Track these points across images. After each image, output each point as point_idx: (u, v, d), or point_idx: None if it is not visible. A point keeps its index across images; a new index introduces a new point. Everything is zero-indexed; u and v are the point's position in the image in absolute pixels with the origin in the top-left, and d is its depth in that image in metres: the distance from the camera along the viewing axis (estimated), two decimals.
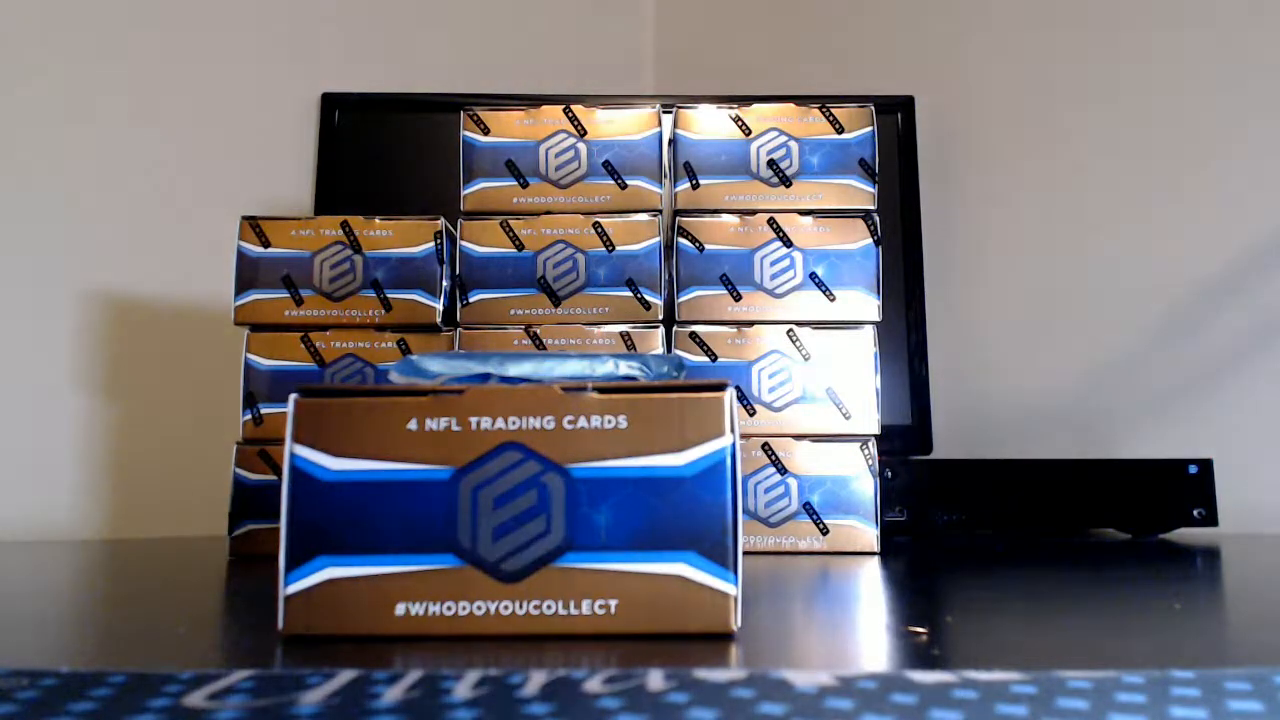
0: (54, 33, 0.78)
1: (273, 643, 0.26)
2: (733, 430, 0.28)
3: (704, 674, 0.21)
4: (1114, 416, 0.83)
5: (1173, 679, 0.21)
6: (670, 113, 0.59)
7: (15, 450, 0.74)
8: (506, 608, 0.27)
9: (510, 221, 0.57)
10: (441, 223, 0.57)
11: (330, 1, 0.89)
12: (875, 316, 0.56)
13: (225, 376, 0.78)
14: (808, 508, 0.54)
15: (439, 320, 0.56)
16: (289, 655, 0.25)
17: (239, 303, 0.56)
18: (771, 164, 0.58)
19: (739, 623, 0.27)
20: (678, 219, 0.57)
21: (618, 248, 0.57)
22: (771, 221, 0.57)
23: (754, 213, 0.57)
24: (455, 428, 0.28)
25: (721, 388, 0.28)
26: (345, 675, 0.21)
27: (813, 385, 0.56)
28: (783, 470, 0.55)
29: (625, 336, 0.56)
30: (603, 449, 0.28)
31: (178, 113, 0.82)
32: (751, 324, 0.56)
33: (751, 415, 0.55)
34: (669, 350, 0.56)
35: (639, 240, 0.57)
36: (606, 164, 0.58)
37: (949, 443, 0.86)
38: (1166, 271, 0.82)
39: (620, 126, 0.59)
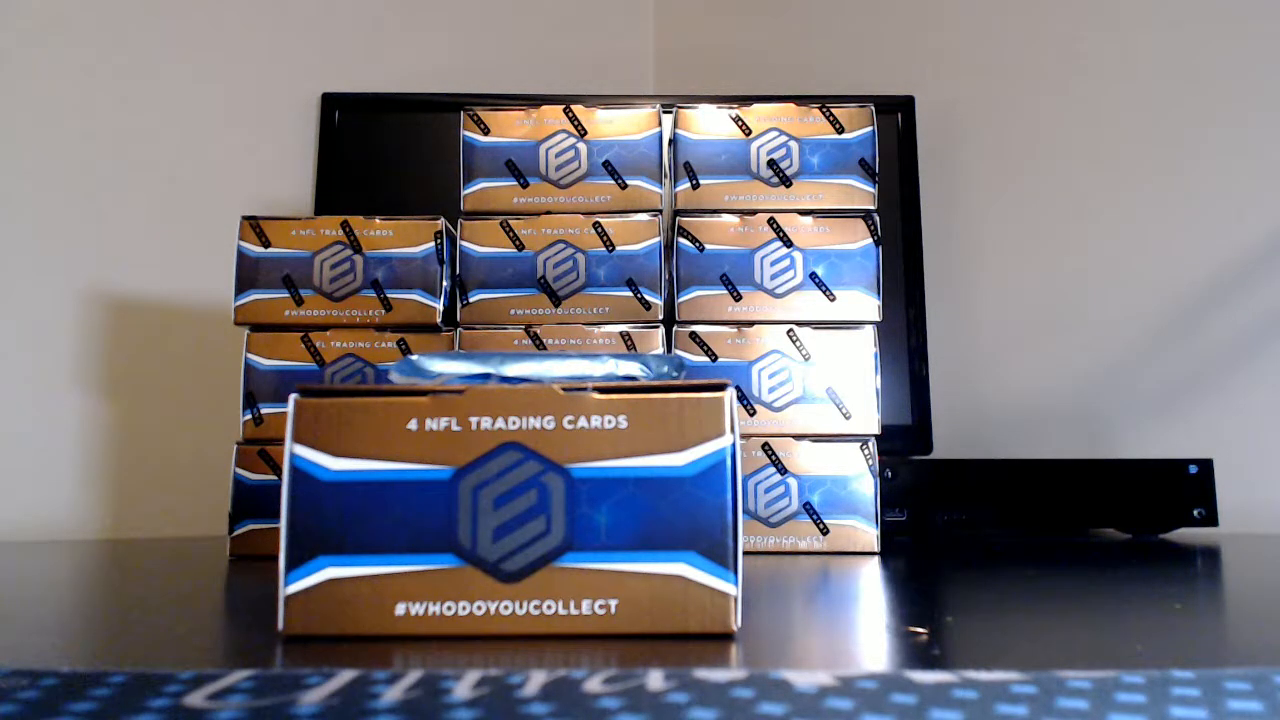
0: (53, 33, 0.78)
1: (273, 643, 0.26)
2: (733, 430, 0.28)
3: (704, 674, 0.21)
4: (1114, 416, 0.83)
5: (1173, 679, 0.21)
6: (670, 113, 0.59)
7: (15, 450, 0.74)
8: (506, 608, 0.27)
9: (510, 221, 0.57)
10: (441, 223, 0.57)
11: (331, 1, 0.89)
12: (875, 316, 0.56)
13: (225, 376, 0.78)
14: (808, 508, 0.54)
15: (439, 320, 0.56)
16: (289, 655, 0.25)
17: (239, 303, 0.56)
18: (772, 164, 0.58)
19: (739, 623, 0.27)
20: (678, 219, 0.57)
21: (618, 248, 0.57)
22: (771, 221, 0.57)
23: (754, 213, 0.57)
24: (455, 428, 0.28)
25: (721, 388, 0.28)
26: (345, 675, 0.21)
27: (813, 385, 0.56)
28: (783, 470, 0.55)
29: (625, 336, 0.56)
30: (603, 449, 0.28)
31: (178, 113, 0.82)
32: (751, 324, 0.56)
33: (751, 415, 0.55)
34: (669, 350, 0.56)
35: (639, 240, 0.57)
36: (606, 164, 0.58)
37: (949, 443, 0.86)
38: (1166, 271, 0.82)
39: (620, 126, 0.59)
